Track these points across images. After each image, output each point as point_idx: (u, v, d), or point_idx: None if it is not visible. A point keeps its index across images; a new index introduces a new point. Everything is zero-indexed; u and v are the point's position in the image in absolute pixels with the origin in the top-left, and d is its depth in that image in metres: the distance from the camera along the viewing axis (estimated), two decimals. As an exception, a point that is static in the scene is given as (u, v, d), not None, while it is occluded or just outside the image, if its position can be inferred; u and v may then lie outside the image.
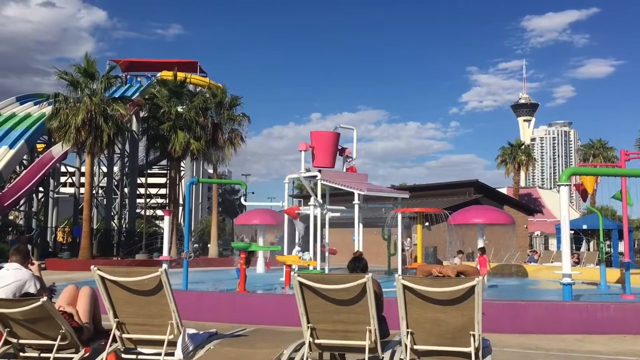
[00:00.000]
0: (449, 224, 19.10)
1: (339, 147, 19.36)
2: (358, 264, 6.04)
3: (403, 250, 19.90)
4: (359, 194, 17.44)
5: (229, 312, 10.51)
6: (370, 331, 4.97)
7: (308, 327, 5.11)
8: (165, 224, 17.82)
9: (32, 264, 6.68)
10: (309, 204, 18.21)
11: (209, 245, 34.98)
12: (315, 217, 17.61)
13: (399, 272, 16.49)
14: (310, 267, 15.79)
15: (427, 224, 20.05)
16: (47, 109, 32.41)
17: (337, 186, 18.20)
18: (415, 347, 4.87)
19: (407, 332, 4.84)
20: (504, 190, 47.63)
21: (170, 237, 18.84)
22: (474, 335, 4.69)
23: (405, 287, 4.73)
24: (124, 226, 38.89)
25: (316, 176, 18.11)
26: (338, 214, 19.52)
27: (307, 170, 18.99)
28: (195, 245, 35.46)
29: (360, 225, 17.63)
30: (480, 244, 18.67)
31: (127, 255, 32.05)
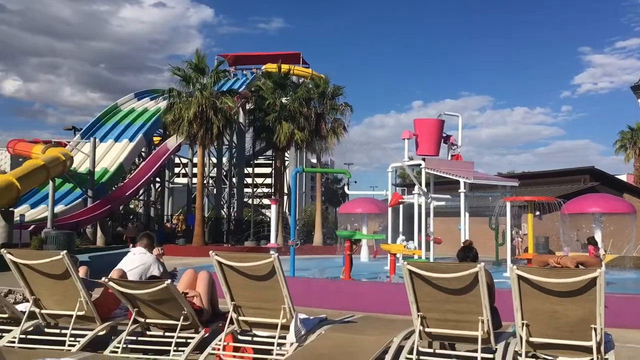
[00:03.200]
0: (563, 213, 18.17)
1: (444, 135, 18.97)
2: (468, 253, 5.93)
3: (512, 240, 19.21)
4: (464, 183, 17.02)
5: (335, 299, 10.66)
6: (482, 322, 4.87)
7: (418, 315, 5.09)
8: (272, 213, 18.35)
9: (156, 249, 7.17)
10: (413, 192, 18.03)
11: (313, 234, 35.61)
12: (419, 205, 17.42)
13: (509, 262, 15.94)
14: (415, 257, 15.66)
15: (537, 213, 19.21)
16: (162, 104, 34.35)
17: (441, 174, 17.86)
18: (531, 339, 4.72)
19: (522, 324, 4.69)
20: (623, 178, 44.52)
21: (277, 225, 19.40)
22: (595, 329, 4.46)
23: (520, 277, 4.59)
24: (232, 214, 40.50)
25: (420, 164, 17.87)
26: (443, 203, 19.17)
27: (411, 158, 18.77)
28: (300, 233, 36.24)
29: (467, 214, 17.21)
30: (598, 234, 17.63)
31: (236, 242, 33.38)
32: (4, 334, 5.98)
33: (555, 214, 19.38)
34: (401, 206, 19.48)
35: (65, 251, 5.90)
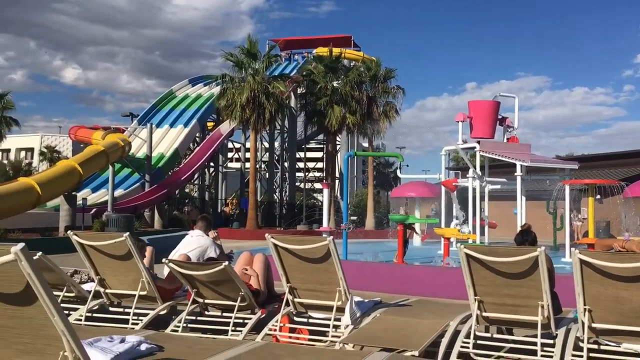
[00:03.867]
0: (625, 196, 17.49)
1: (499, 117, 18.53)
2: (527, 237, 5.81)
3: (571, 224, 18.67)
4: (521, 166, 16.61)
5: (388, 283, 10.65)
6: (542, 306, 4.77)
7: (475, 299, 5.03)
8: (325, 196, 18.42)
9: (212, 232, 7.33)
10: (467, 176, 17.73)
11: (365, 218, 35.60)
12: (474, 189, 17.12)
13: (567, 247, 15.51)
14: (470, 241, 15.44)
15: (598, 196, 18.56)
16: (215, 89, 34.88)
17: (497, 157, 17.48)
18: (594, 325, 4.59)
19: (585, 309, 4.57)
20: (689, 160, 42.42)
21: (329, 209, 19.47)
22: (662, 316, 4.30)
23: (582, 261, 4.46)
24: (284, 198, 40.91)
25: (474, 147, 17.53)
26: (498, 187, 18.76)
27: (465, 141, 18.43)
28: (352, 217, 36.33)
29: (523, 198, 16.82)
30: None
31: (288, 226, 33.73)
32: (71, 312, 6.25)
33: (617, 198, 18.68)
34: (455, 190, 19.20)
35: (127, 233, 6.11)
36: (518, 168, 16.59)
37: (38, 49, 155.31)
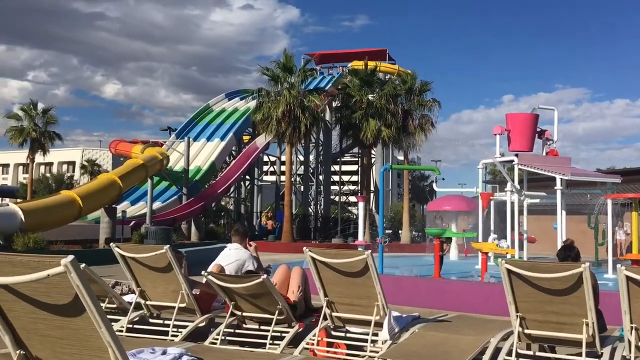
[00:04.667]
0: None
1: (538, 129, 18.21)
2: (569, 253, 5.68)
3: (614, 238, 18.18)
4: (561, 179, 16.27)
5: (426, 298, 10.54)
6: (587, 324, 4.65)
7: (517, 316, 4.93)
8: (360, 210, 18.39)
9: (250, 245, 7.38)
10: (505, 189, 17.45)
11: (400, 232, 35.35)
12: (512, 203, 16.83)
13: (610, 263, 15.09)
14: (508, 256, 15.16)
15: (642, 211, 18.00)
16: (251, 103, 35.26)
17: (536, 171, 17.17)
18: (641, 344, 4.45)
19: (631, 328, 4.43)
20: None
21: (365, 222, 19.42)
22: None
23: (629, 278, 4.34)
24: (319, 211, 40.94)
25: (512, 161, 17.26)
26: (537, 201, 18.40)
27: (502, 154, 18.17)
28: (388, 231, 36.12)
29: (563, 212, 16.45)
30: None
31: (324, 239, 33.71)
32: (112, 323, 6.36)
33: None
34: (492, 203, 18.92)
35: (168, 246, 6.20)
36: (558, 182, 16.24)
37: (80, 65, 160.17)
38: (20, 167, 75.85)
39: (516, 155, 17.12)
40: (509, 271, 4.85)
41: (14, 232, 18.20)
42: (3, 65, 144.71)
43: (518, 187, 16.96)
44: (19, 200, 28.27)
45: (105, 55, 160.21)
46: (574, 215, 19.79)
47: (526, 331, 4.96)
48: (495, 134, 17.89)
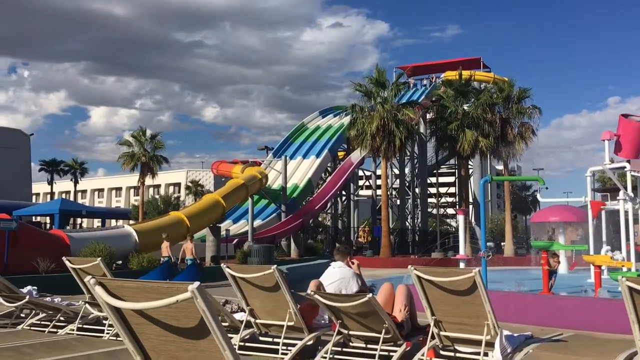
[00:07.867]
0: None
1: (651, 134, 17.02)
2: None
3: None
4: (681, 185, 15.11)
5: (536, 315, 10.09)
6: None
7: (642, 337, 4.62)
8: (460, 223, 17.94)
9: (353, 263, 7.43)
10: (618, 198, 16.43)
11: (502, 244, 34.13)
12: (626, 212, 15.81)
13: None
14: (624, 269, 14.22)
15: None
16: (345, 119, 35.61)
17: (651, 177, 16.05)
18: None
19: None
20: None
21: (465, 236, 18.92)
22: None
23: (631, 289, 3.99)
24: (417, 225, 40.42)
25: (624, 167, 16.24)
26: (654, 209, 17.14)
27: (612, 161, 17.15)
28: (489, 243, 35.02)
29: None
30: None
31: (423, 253, 33.21)
32: (225, 341, 6.61)
33: None
34: (603, 213, 17.87)
35: (275, 266, 6.38)
36: (677, 188, 15.11)
37: (181, 91, 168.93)
38: (132, 190, 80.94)
39: (628, 161, 16.12)
40: (631, 289, 4.57)
41: (130, 253, 19.39)
42: (114, 96, 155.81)
43: (632, 195, 15.92)
44: (131, 221, 30.14)
45: (204, 80, 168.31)
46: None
47: (654, 353, 4.64)
48: (604, 140, 16.95)
